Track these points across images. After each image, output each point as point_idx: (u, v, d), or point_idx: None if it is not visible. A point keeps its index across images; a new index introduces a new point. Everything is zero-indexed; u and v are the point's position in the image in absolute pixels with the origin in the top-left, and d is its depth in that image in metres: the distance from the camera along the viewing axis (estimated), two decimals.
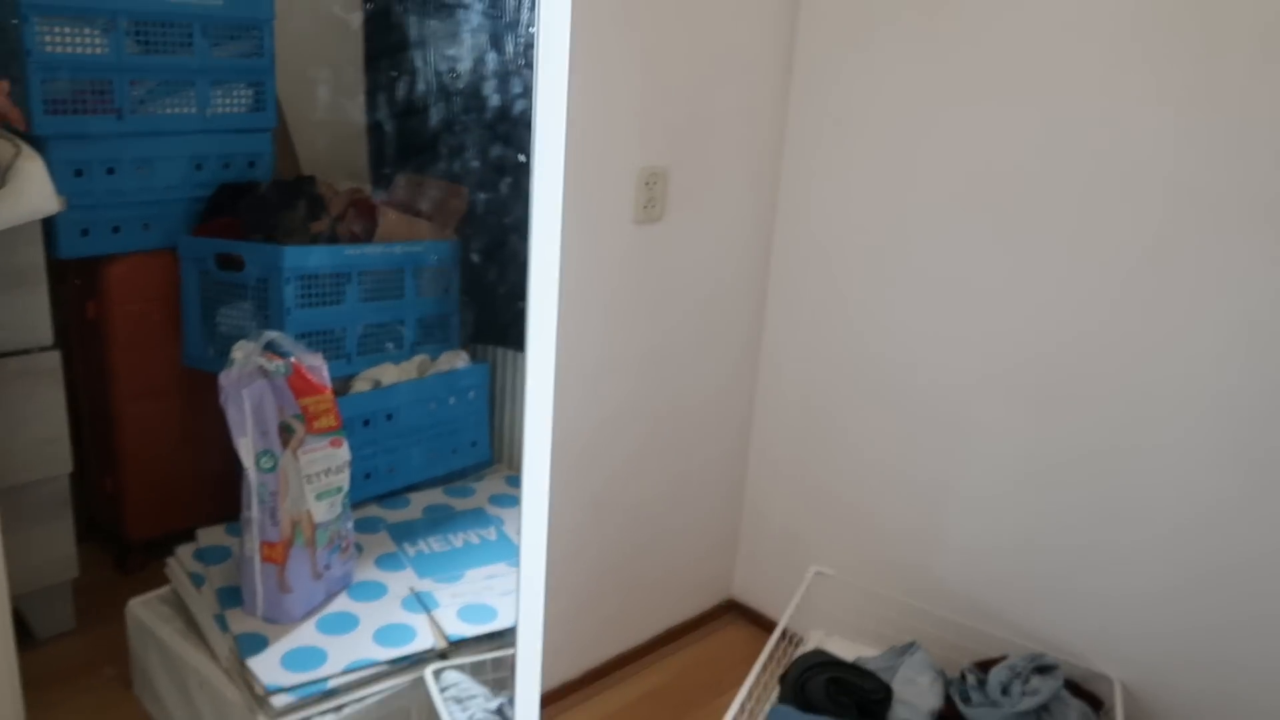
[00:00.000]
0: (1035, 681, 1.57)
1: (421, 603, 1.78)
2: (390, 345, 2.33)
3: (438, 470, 2.28)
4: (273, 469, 1.70)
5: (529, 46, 2.13)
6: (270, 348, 1.78)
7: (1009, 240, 1.63)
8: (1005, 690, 1.57)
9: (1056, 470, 1.64)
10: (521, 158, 2.28)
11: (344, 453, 1.78)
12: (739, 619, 2.16)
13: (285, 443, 1.71)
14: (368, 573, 1.87)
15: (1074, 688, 1.63)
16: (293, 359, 1.77)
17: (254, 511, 1.71)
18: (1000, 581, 1.74)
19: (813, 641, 1.85)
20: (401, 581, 1.85)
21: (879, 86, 1.75)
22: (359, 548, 1.93)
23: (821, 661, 1.62)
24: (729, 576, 2.18)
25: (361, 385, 2.23)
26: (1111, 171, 1.50)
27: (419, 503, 2.18)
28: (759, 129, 1.85)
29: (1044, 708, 1.54)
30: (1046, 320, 1.61)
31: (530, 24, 2.08)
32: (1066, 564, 1.65)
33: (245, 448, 1.70)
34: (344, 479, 1.79)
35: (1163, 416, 1.50)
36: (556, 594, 1.74)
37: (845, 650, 1.78)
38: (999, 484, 1.71)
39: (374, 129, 3.03)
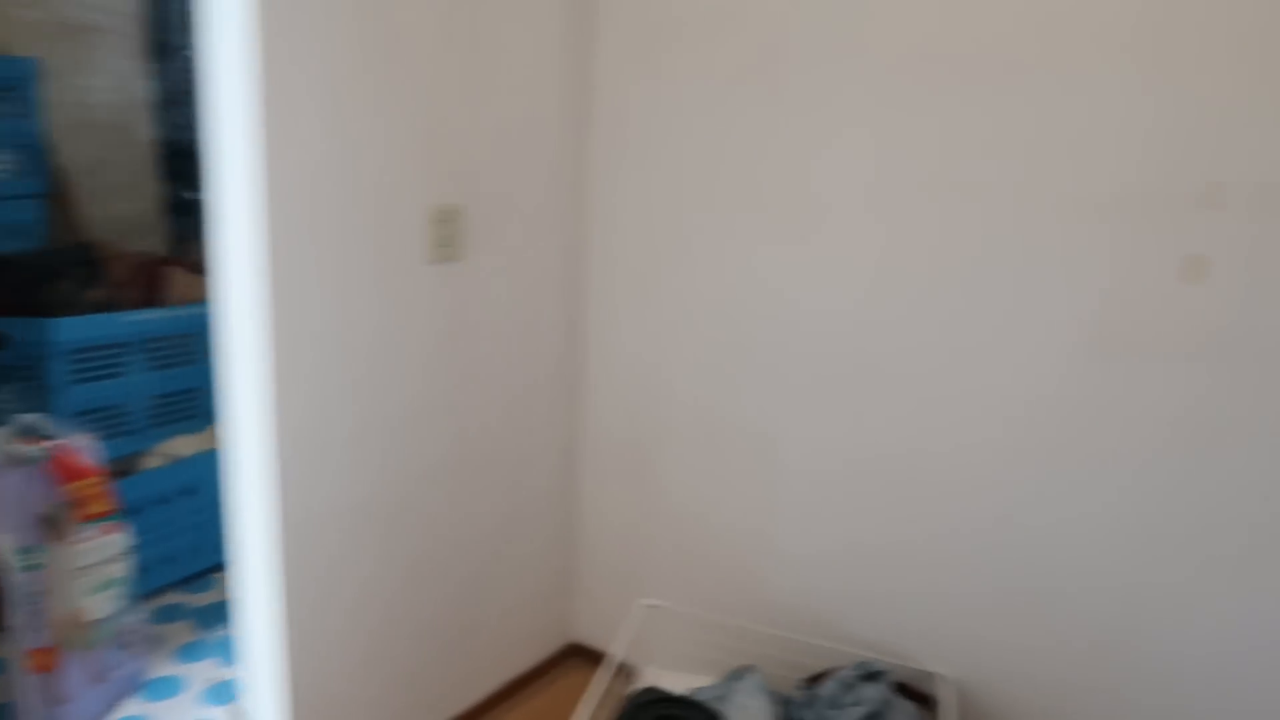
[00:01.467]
0: (863, 690, 1.56)
1: (223, 693, 1.63)
2: (187, 415, 2.17)
3: None
4: (37, 566, 1.53)
5: None
6: (27, 432, 1.61)
7: (813, 245, 1.64)
8: (835, 704, 1.56)
9: (872, 473, 1.65)
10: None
11: (121, 539, 1.63)
12: (582, 663, 2.09)
13: (50, 535, 1.55)
14: (166, 667, 1.71)
15: (906, 689, 1.64)
16: (54, 442, 1.60)
17: (18, 616, 1.53)
18: (830, 590, 1.74)
19: (646, 678, 1.79)
20: (203, 672, 1.69)
21: (675, 107, 1.74)
22: (154, 640, 1.77)
23: (651, 699, 1.57)
24: (570, 620, 2.11)
25: (154, 461, 2.06)
26: (911, 174, 1.53)
27: (220, 585, 2.02)
28: (561, 158, 1.81)
29: (873, 715, 1.53)
30: (859, 325, 1.62)
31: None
32: (890, 566, 1.66)
33: (3, 546, 1.53)
34: (123, 568, 1.63)
35: (975, 417, 1.53)
36: (379, 664, 1.62)
37: (680, 683, 1.73)
38: (819, 489, 1.71)
39: (170, 190, 2.86)
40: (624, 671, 1.75)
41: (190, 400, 2.18)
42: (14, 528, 1.53)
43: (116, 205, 2.77)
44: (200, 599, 1.94)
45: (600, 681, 1.65)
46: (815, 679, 1.67)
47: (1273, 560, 1.37)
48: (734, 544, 1.84)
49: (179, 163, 2.84)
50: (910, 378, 1.59)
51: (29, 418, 1.63)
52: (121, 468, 1.99)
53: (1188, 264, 1.34)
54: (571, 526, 2.06)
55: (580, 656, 2.12)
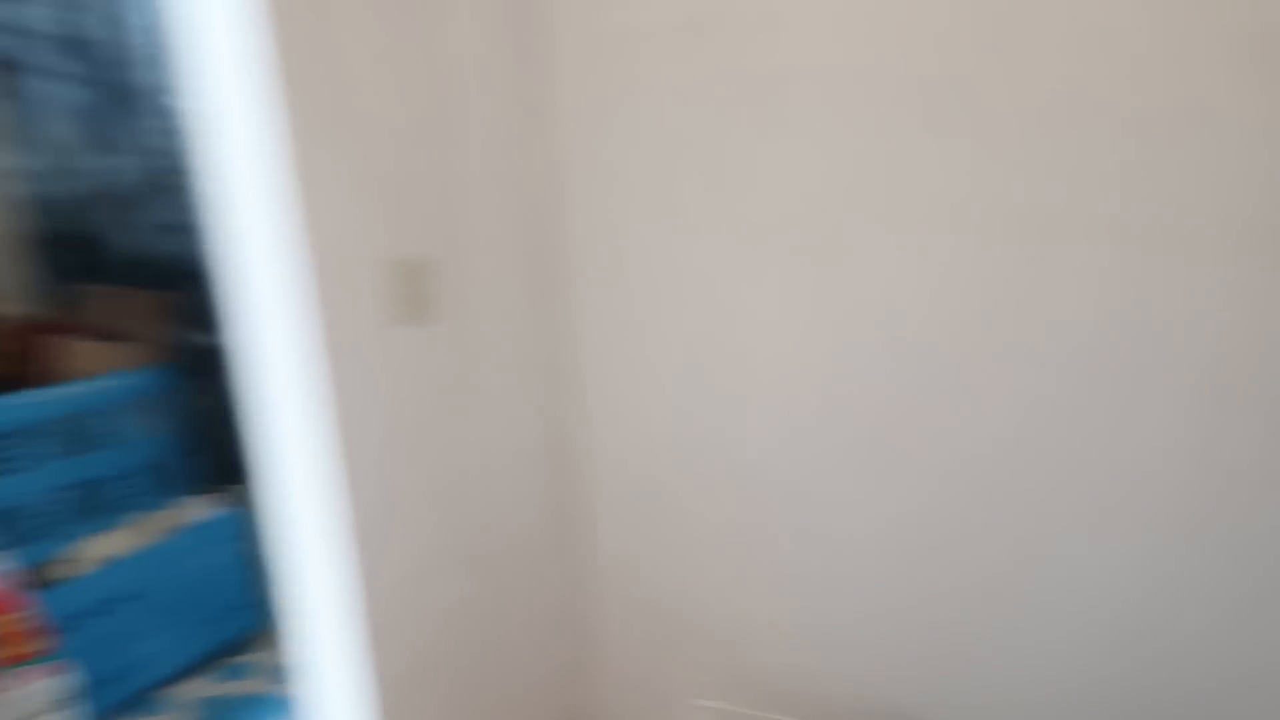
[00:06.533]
0: None
1: None
2: (99, 508, 1.84)
3: (192, 652, 1.81)
4: None
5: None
6: None
7: (823, 286, 1.46)
8: None
9: (921, 546, 1.48)
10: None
11: (60, 683, 1.32)
12: None
13: None
14: None
15: None
16: None
17: None
18: (891, 681, 1.56)
19: None
20: None
21: (655, 135, 1.53)
22: None
23: None
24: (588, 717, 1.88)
25: (78, 567, 1.72)
26: (936, 208, 1.37)
27: (182, 700, 1.71)
28: (537, 201, 1.59)
29: None
30: (874, 382, 1.45)
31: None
32: (956, 648, 1.49)
33: None
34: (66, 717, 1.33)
35: (1035, 486, 1.38)
36: None
37: None
38: (865, 563, 1.53)
39: (45, 239, 2.47)
40: None
41: (103, 490, 1.85)
42: None
43: None
44: None
45: None
46: None
47: None
48: (773, 627, 1.63)
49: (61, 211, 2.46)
50: (946, 434, 1.44)
51: None
52: (36, 579, 1.66)
53: None
54: (586, 614, 1.83)
55: None
